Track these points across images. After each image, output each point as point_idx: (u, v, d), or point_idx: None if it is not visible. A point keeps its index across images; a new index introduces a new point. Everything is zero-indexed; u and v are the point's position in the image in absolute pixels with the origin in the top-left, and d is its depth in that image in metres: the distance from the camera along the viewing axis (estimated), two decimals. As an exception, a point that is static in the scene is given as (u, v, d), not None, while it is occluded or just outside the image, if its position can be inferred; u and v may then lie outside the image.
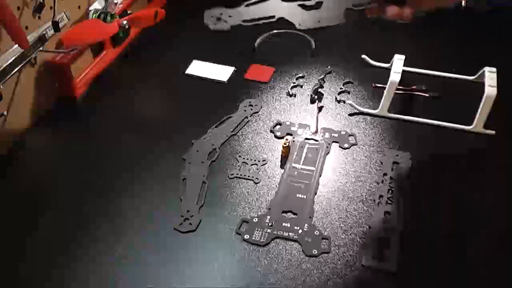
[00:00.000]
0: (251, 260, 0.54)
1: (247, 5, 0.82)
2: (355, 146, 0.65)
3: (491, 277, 0.51)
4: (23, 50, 0.62)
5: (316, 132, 0.67)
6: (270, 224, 0.56)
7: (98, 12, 0.73)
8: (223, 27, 0.55)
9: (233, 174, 0.62)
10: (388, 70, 0.71)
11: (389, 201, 0.58)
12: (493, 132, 0.66)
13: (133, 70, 0.79)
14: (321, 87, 0.74)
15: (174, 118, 0.71)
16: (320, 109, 0.70)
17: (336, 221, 0.57)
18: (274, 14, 0.82)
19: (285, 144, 0.64)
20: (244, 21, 0.77)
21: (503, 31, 0.82)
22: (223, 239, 0.56)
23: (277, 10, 0.82)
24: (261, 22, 0.79)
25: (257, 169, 0.63)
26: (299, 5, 0.83)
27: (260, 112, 0.71)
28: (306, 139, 0.66)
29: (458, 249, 0.54)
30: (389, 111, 0.69)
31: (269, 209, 0.58)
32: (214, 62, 0.79)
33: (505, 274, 0.50)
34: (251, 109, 0.71)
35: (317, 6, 0.72)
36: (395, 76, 0.67)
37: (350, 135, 0.67)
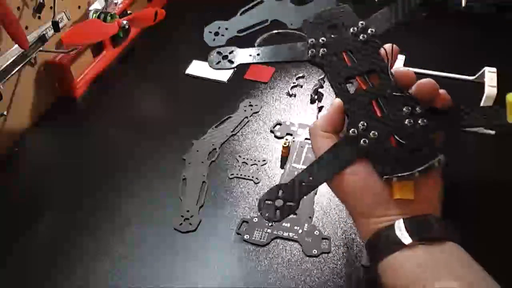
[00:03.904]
0: (251, 260, 0.54)
1: (241, 13, 0.83)
2: (355, 146, 0.65)
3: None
4: (23, 50, 0.62)
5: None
6: (270, 224, 0.56)
7: (98, 12, 0.73)
8: (226, 66, 0.55)
9: (233, 174, 0.62)
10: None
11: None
12: (493, 132, 0.66)
13: (133, 70, 0.79)
14: (321, 87, 0.74)
15: (174, 118, 0.71)
16: (320, 109, 0.70)
17: (336, 221, 0.57)
18: (267, 18, 0.83)
19: (285, 144, 0.64)
20: (239, 31, 0.78)
21: (503, 31, 0.82)
22: (223, 239, 0.56)
23: (270, 12, 0.83)
24: (255, 28, 0.80)
25: (257, 169, 0.63)
26: (292, 1, 0.83)
27: (260, 112, 0.71)
28: (306, 139, 0.66)
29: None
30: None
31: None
32: (214, 62, 0.79)
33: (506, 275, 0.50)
34: (251, 109, 0.71)
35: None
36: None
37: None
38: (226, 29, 0.79)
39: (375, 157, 0.43)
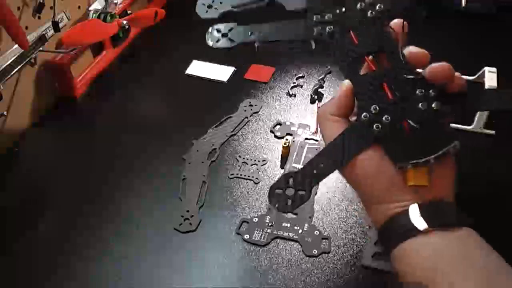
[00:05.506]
0: (251, 260, 0.54)
1: None
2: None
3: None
4: (23, 50, 0.62)
5: (316, 132, 0.67)
6: (270, 224, 0.56)
7: (98, 12, 0.73)
8: (213, 15, 0.52)
9: (233, 174, 0.62)
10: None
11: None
12: (493, 132, 0.66)
13: (133, 70, 0.79)
14: (321, 87, 0.74)
15: (174, 118, 0.71)
16: (320, 109, 0.70)
17: (336, 221, 0.57)
18: None
19: (285, 144, 0.64)
20: (234, 6, 0.75)
21: (503, 31, 0.82)
22: (223, 239, 0.56)
23: None
24: (250, 6, 0.77)
25: (257, 169, 0.63)
26: None
27: (260, 112, 0.71)
28: (306, 139, 0.66)
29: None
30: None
31: (269, 209, 0.58)
32: (214, 62, 0.79)
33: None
34: (251, 109, 0.71)
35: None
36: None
37: (350, 135, 0.67)
38: (221, 3, 0.76)
39: (388, 143, 0.41)
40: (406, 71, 0.43)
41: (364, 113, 0.42)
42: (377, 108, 0.42)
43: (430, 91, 0.42)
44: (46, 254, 0.55)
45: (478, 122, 0.65)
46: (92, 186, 0.62)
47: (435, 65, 0.43)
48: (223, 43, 0.50)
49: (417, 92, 0.42)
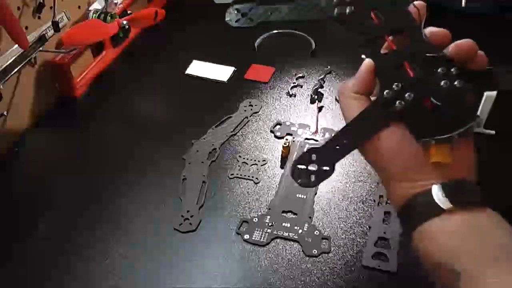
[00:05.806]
0: (251, 260, 0.54)
1: None
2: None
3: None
4: (23, 50, 0.62)
5: (316, 132, 0.67)
6: (270, 224, 0.56)
7: (98, 12, 0.73)
8: (246, 23, 0.52)
9: (233, 174, 0.62)
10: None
11: (389, 201, 0.58)
12: (493, 132, 0.66)
13: (133, 70, 0.79)
14: (321, 87, 0.74)
15: (174, 118, 0.71)
16: (320, 109, 0.70)
17: (336, 221, 0.57)
18: None
19: (285, 144, 0.64)
20: None
21: (503, 31, 0.82)
22: (223, 239, 0.56)
23: None
24: None
25: (257, 169, 0.63)
26: None
27: (260, 112, 0.71)
28: (306, 139, 0.66)
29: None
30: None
31: (269, 209, 0.58)
32: (214, 62, 0.79)
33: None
34: (251, 109, 0.71)
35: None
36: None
37: (350, 135, 0.67)
38: None
39: (411, 120, 0.41)
40: (427, 49, 0.43)
41: (387, 91, 0.42)
42: (399, 85, 0.42)
43: (452, 69, 0.42)
44: (46, 254, 0.55)
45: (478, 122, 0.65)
46: (92, 186, 0.61)
47: (460, 41, 0.43)
48: (243, 22, 0.50)
49: (438, 70, 0.42)
